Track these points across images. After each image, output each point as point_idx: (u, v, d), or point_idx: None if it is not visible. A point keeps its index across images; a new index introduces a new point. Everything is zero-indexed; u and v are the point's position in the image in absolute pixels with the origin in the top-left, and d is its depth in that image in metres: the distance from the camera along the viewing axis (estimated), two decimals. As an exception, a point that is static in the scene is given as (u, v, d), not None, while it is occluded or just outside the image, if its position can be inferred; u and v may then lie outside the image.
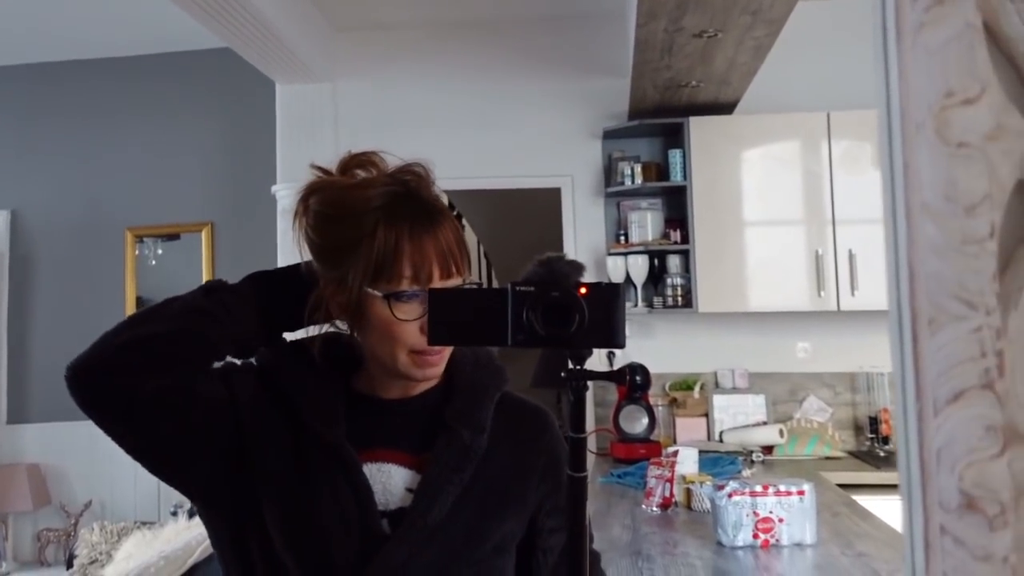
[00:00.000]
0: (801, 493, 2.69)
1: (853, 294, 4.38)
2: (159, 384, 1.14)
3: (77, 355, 1.16)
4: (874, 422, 4.59)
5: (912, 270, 0.53)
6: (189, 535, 3.51)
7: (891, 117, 0.54)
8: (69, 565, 4.89)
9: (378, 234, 1.20)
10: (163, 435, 1.18)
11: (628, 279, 4.74)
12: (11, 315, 5.67)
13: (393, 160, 1.31)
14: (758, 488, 2.70)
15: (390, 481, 1.26)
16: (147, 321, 1.18)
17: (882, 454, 4.46)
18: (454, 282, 1.23)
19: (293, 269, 1.30)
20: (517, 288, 1.00)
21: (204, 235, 5.56)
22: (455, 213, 1.25)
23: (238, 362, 1.31)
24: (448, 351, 1.26)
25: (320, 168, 1.32)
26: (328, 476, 1.22)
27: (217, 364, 1.25)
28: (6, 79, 5.84)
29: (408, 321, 1.21)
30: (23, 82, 5.84)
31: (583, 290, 1.00)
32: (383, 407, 1.32)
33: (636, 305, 4.76)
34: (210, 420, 1.21)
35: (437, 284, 1.21)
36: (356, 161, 1.31)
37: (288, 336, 1.35)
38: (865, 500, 3.48)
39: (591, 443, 4.69)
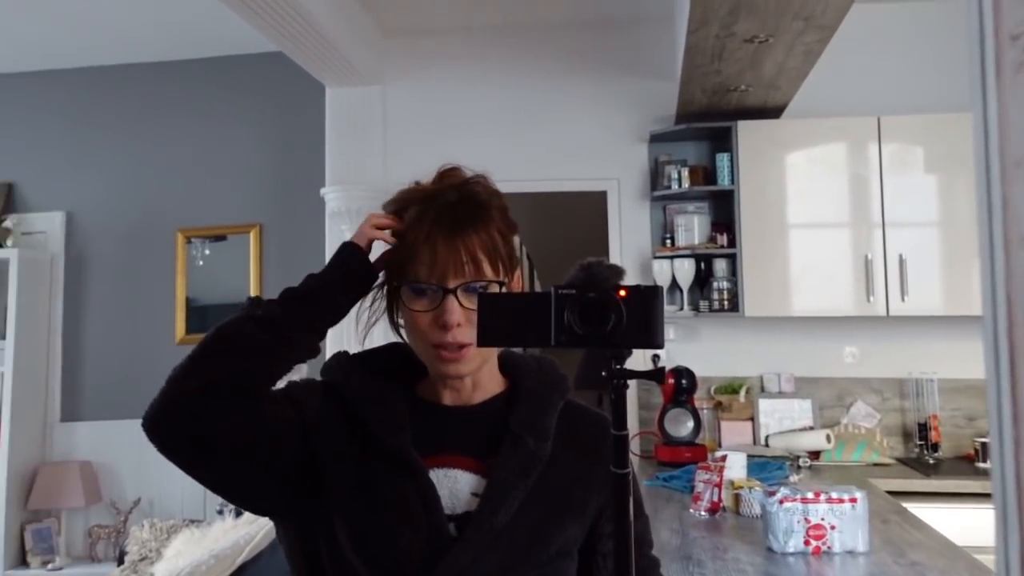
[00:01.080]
0: (854, 500, 2.68)
1: (903, 299, 4.35)
2: (232, 423, 1.19)
3: (149, 404, 1.19)
4: (923, 428, 4.55)
5: (1010, 301, 0.54)
6: (237, 534, 3.55)
7: (989, 152, 0.56)
8: (120, 561, 4.97)
9: (407, 234, 1.28)
10: (240, 469, 1.24)
11: (674, 282, 4.74)
12: (66, 315, 5.77)
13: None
14: (810, 495, 2.70)
15: (456, 486, 1.29)
16: (211, 362, 1.21)
17: (931, 461, 4.42)
18: (470, 281, 1.27)
19: (334, 277, 1.32)
20: (559, 291, 1.05)
21: (252, 236, 5.61)
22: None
23: (298, 378, 1.36)
24: (473, 351, 1.28)
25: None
26: (395, 482, 1.26)
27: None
28: (62, 83, 5.94)
29: (421, 312, 1.27)
30: (79, 86, 5.93)
31: (622, 292, 1.04)
32: (447, 413, 1.35)
33: (682, 308, 4.76)
34: (283, 444, 1.26)
35: (450, 283, 1.25)
36: (440, 171, 1.37)
37: (350, 348, 1.40)
38: (914, 508, 3.45)
39: (635, 446, 4.69)
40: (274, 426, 1.25)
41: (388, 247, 1.33)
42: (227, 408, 1.19)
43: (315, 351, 1.29)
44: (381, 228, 1.32)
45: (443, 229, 1.26)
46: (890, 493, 3.77)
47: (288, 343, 1.24)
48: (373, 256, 1.32)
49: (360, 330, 1.37)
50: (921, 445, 4.56)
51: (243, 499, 1.31)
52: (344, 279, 1.30)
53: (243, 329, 1.23)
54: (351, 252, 1.31)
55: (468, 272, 1.26)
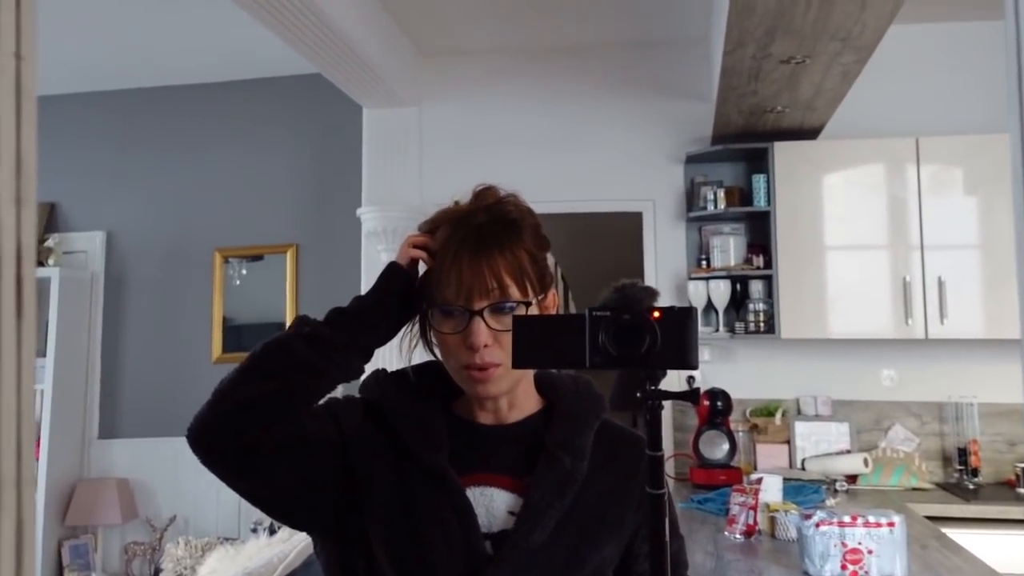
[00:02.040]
0: (892, 525, 2.64)
1: (942, 322, 4.31)
2: (275, 437, 1.21)
3: (195, 415, 1.22)
4: (963, 453, 4.49)
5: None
6: (271, 552, 3.57)
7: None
8: (155, 578, 5.01)
9: (437, 255, 1.30)
10: (283, 484, 1.25)
11: (710, 304, 4.72)
12: (105, 333, 5.84)
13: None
14: (847, 518, 2.67)
15: (492, 504, 1.29)
16: (258, 377, 1.23)
17: (971, 487, 4.36)
18: (497, 302, 1.27)
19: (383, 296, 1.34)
20: (593, 313, 1.06)
21: (289, 256, 5.66)
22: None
23: (339, 395, 1.37)
24: (503, 371, 1.28)
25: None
26: (432, 499, 1.26)
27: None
28: (104, 104, 6.04)
29: (449, 335, 1.28)
30: (120, 107, 6.02)
31: (656, 314, 1.05)
32: (484, 432, 1.36)
33: (717, 330, 4.74)
34: (323, 460, 1.27)
35: (476, 305, 1.26)
36: (476, 191, 1.38)
37: (388, 367, 1.41)
38: (953, 533, 3.40)
39: (670, 468, 4.67)
40: (315, 441, 1.27)
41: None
42: (271, 422, 1.21)
43: (360, 371, 1.31)
44: (417, 247, 1.33)
45: (468, 250, 1.27)
46: (929, 518, 3.72)
47: (334, 362, 1.26)
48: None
49: (404, 351, 1.39)
50: (961, 470, 4.49)
51: (281, 513, 1.31)
52: (388, 299, 1.32)
53: (291, 346, 1.25)
54: (394, 272, 1.33)
55: (493, 293, 1.26)
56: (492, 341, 1.25)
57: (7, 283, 0.52)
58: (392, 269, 1.33)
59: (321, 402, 1.32)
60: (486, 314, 1.26)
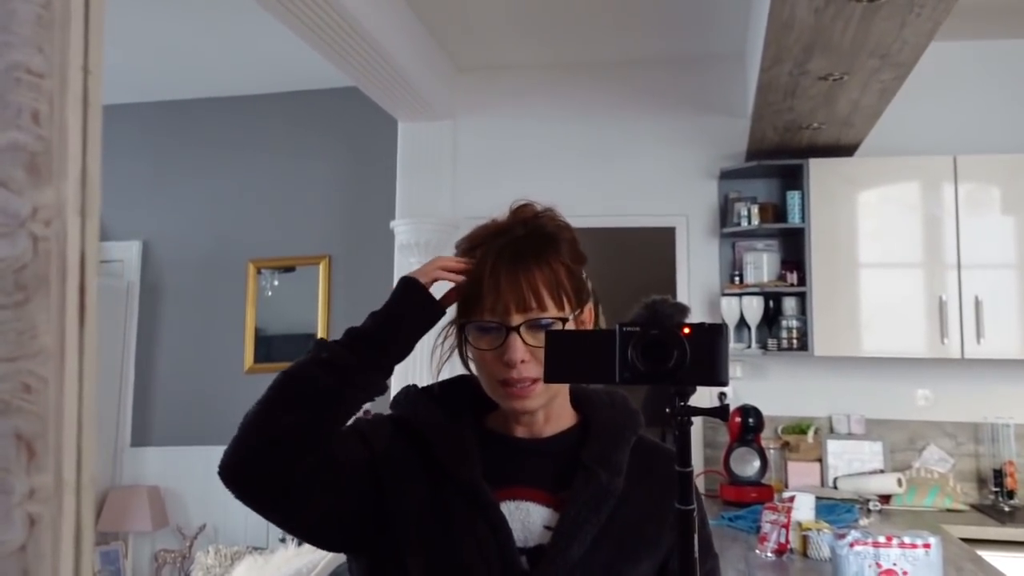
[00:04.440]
0: (927, 546, 2.61)
1: (978, 341, 4.26)
2: (307, 466, 1.20)
3: (225, 451, 1.21)
4: (999, 475, 4.43)
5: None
6: (299, 562, 3.57)
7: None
8: (184, 586, 5.04)
9: (473, 270, 1.29)
10: (316, 510, 1.24)
11: (742, 320, 4.70)
12: (139, 341, 5.89)
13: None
14: (881, 539, 2.64)
15: (528, 519, 1.28)
16: (282, 411, 1.21)
17: (1007, 508, 4.30)
18: (534, 317, 1.26)
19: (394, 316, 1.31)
20: (623, 328, 1.06)
21: (321, 268, 5.69)
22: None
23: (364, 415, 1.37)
24: (541, 386, 1.27)
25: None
26: (467, 515, 1.25)
27: None
28: (142, 116, 6.11)
29: (486, 351, 1.27)
30: (157, 119, 6.10)
31: (686, 330, 1.04)
32: (519, 446, 1.35)
33: (750, 347, 4.71)
34: (356, 482, 1.27)
35: (515, 319, 1.25)
36: (513, 207, 1.38)
37: (419, 382, 1.41)
38: (989, 556, 3.36)
39: (700, 484, 4.64)
40: (347, 464, 1.26)
41: (451, 285, 1.34)
42: (301, 454, 1.20)
43: (384, 389, 1.29)
44: (450, 271, 1.32)
45: (505, 266, 1.27)
46: (964, 540, 3.68)
47: (357, 385, 1.24)
48: (436, 293, 1.33)
49: (433, 367, 1.37)
50: (996, 492, 4.43)
51: (318, 538, 1.31)
52: (410, 316, 1.30)
53: (311, 374, 1.23)
54: (415, 288, 1.31)
55: (531, 309, 1.26)
56: (529, 357, 1.25)
57: (71, 292, 0.53)
58: (412, 286, 1.31)
59: (348, 423, 1.32)
60: (523, 330, 1.25)
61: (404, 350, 1.29)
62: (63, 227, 0.52)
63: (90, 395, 0.54)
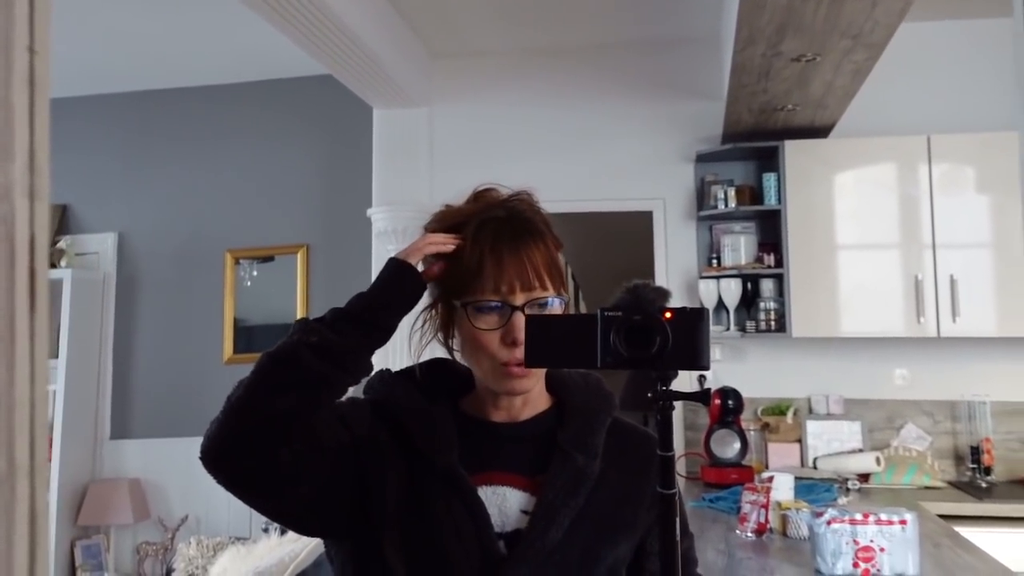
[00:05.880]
0: (903, 522, 2.64)
1: (954, 320, 4.30)
2: (293, 451, 1.19)
3: (206, 435, 1.18)
4: (976, 452, 4.47)
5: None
6: (282, 551, 3.58)
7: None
8: (166, 578, 5.03)
9: (466, 250, 1.26)
10: (302, 497, 1.23)
11: (720, 303, 4.72)
12: (117, 334, 5.86)
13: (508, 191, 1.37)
14: (858, 516, 2.66)
15: (505, 503, 1.28)
16: (268, 394, 1.18)
17: (984, 485, 4.35)
18: (537, 296, 1.26)
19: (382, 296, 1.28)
20: (605, 313, 1.06)
21: (299, 257, 5.67)
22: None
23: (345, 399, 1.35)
24: (538, 369, 1.28)
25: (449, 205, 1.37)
26: (444, 500, 1.25)
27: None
28: (115, 107, 6.07)
29: (486, 331, 1.26)
30: (131, 110, 6.05)
31: (668, 315, 1.04)
32: (495, 430, 1.34)
33: (728, 329, 4.73)
34: (339, 468, 1.25)
35: (518, 298, 1.24)
36: (476, 192, 1.37)
37: (393, 367, 1.40)
38: (967, 532, 3.39)
39: (681, 467, 4.66)
40: (331, 450, 1.24)
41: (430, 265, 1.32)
42: (288, 440, 1.18)
43: (370, 370, 1.28)
44: (438, 244, 1.30)
45: (506, 244, 1.26)
46: (942, 517, 3.71)
47: (348, 369, 1.22)
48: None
49: (414, 351, 1.35)
50: (974, 468, 4.48)
51: (301, 524, 1.30)
52: (401, 298, 1.27)
53: (301, 357, 1.19)
54: (406, 271, 1.27)
55: (534, 288, 1.25)
56: None
57: (20, 277, 0.52)
58: (403, 267, 1.27)
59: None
60: (526, 309, 1.24)
61: (391, 331, 1.27)
62: (11, 210, 0.51)
63: (42, 379, 0.53)
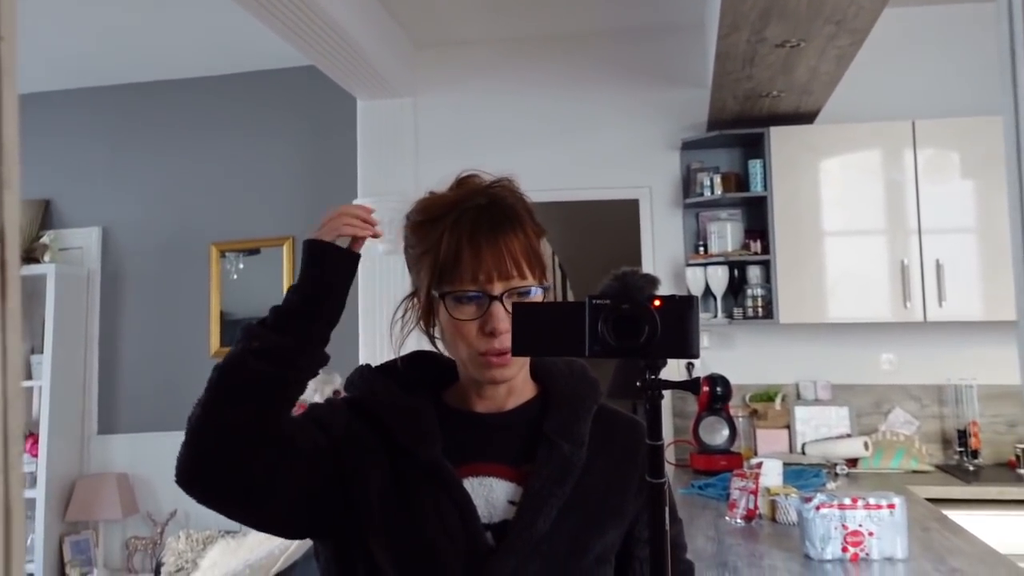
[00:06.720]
0: (892, 506, 2.64)
1: (941, 305, 4.31)
2: (264, 460, 1.18)
3: (177, 458, 1.16)
4: (963, 435, 4.49)
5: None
6: (272, 544, 3.57)
7: (1021, 156, 0.55)
8: (156, 573, 5.01)
9: (444, 238, 1.24)
10: (283, 504, 1.22)
11: (708, 290, 4.72)
12: (102, 329, 5.83)
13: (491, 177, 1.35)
14: (847, 501, 2.67)
15: (492, 494, 1.27)
16: (225, 406, 1.17)
17: (971, 468, 4.37)
18: (516, 285, 1.24)
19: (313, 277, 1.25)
20: (593, 301, 1.04)
21: (285, 249, 5.64)
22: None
23: (321, 400, 1.33)
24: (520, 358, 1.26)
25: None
26: (430, 494, 1.24)
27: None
28: (98, 100, 6.02)
29: (465, 321, 1.24)
30: (114, 103, 6.00)
31: (657, 303, 1.03)
32: (479, 421, 1.34)
33: (716, 316, 4.73)
34: (317, 470, 1.24)
35: (496, 288, 1.23)
36: (458, 179, 1.35)
37: (372, 361, 1.39)
38: (955, 515, 3.41)
39: (670, 454, 4.67)
40: (306, 453, 1.23)
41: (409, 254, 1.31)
42: (256, 448, 1.17)
43: (326, 359, 1.25)
44: (358, 220, 1.27)
45: (484, 234, 1.24)
46: (930, 500, 3.73)
47: (298, 367, 1.20)
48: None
49: (394, 344, 1.33)
50: (961, 452, 4.50)
51: (285, 532, 1.29)
52: (335, 279, 1.24)
53: (247, 365, 1.18)
54: (326, 250, 1.24)
55: (512, 277, 1.24)
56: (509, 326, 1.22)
57: (-10, 267, 0.51)
58: (324, 248, 1.24)
59: (303, 412, 1.30)
60: (504, 299, 1.23)
61: (337, 314, 1.25)
62: (-21, 200, 0.50)
63: (15, 372, 0.52)
